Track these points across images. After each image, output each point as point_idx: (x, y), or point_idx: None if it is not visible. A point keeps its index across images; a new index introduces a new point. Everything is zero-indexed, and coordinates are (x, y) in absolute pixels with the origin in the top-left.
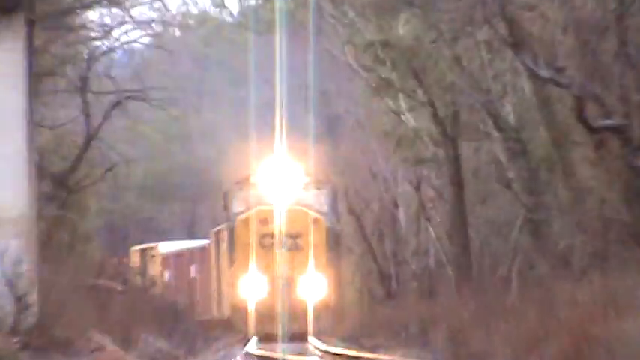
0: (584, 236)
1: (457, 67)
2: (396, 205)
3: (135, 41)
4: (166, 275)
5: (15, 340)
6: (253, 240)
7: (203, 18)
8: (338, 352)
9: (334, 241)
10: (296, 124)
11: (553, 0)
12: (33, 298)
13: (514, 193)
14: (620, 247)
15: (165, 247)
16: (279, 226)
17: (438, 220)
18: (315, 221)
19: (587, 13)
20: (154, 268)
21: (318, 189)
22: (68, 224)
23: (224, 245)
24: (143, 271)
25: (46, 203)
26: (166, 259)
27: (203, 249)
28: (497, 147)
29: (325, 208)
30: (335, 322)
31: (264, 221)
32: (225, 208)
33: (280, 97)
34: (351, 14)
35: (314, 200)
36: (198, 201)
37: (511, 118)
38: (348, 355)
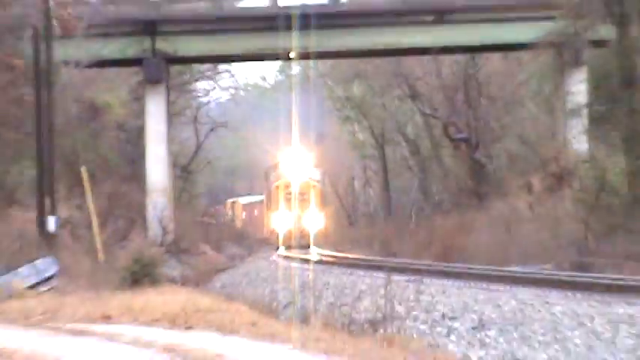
0: (448, 194)
1: (383, 108)
2: (353, 179)
3: (220, 98)
4: (242, 215)
5: (162, 249)
6: (281, 196)
7: (255, 85)
8: (325, 253)
9: (323, 197)
10: (304, 136)
11: (431, 74)
12: (171, 227)
13: (413, 172)
14: (466, 199)
15: (243, 200)
16: (295, 189)
17: (375, 186)
18: (314, 187)
19: (449, 80)
20: (237, 211)
21: (315, 169)
22: (188, 190)
23: (267, 199)
24: (231, 213)
25: (177, 180)
26: (243, 206)
27: (261, 201)
28: (404, 149)
29: (319, 180)
30: (323, 238)
31: (287, 186)
32: (266, 179)
33: (295, 123)
34: (330, 83)
35: (313, 175)
36: (254, 177)
37: (411, 134)
38: (330, 255)
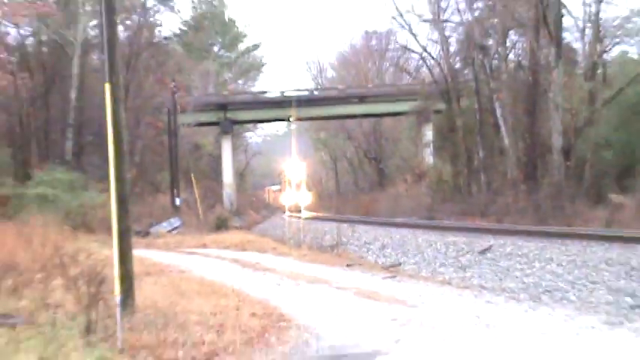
0: (367, 184)
1: (335, 144)
2: (321, 178)
3: (257, 140)
4: (272, 196)
5: (231, 213)
6: (287, 186)
7: (274, 134)
8: (308, 214)
9: (308, 187)
10: (298, 157)
11: (358, 127)
12: (235, 203)
13: (350, 174)
14: (376, 187)
15: (273, 187)
16: (294, 182)
17: (331, 182)
18: (304, 181)
19: (366, 129)
20: (270, 194)
21: (304, 173)
22: (243, 185)
23: (281, 188)
24: (267, 195)
25: (237, 180)
26: (272, 191)
27: (281, 188)
28: (346, 164)
29: (306, 178)
30: (307, 207)
31: (290, 182)
32: (280, 177)
33: (294, 151)
34: (310, 132)
35: (303, 176)
36: (274, 177)
37: (348, 156)
38: (311, 215)
